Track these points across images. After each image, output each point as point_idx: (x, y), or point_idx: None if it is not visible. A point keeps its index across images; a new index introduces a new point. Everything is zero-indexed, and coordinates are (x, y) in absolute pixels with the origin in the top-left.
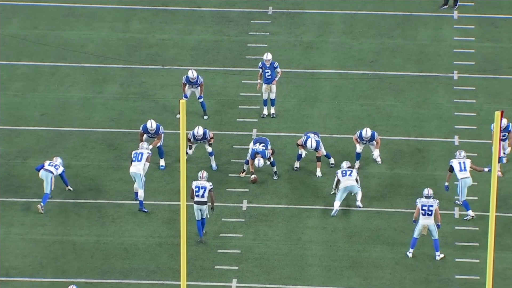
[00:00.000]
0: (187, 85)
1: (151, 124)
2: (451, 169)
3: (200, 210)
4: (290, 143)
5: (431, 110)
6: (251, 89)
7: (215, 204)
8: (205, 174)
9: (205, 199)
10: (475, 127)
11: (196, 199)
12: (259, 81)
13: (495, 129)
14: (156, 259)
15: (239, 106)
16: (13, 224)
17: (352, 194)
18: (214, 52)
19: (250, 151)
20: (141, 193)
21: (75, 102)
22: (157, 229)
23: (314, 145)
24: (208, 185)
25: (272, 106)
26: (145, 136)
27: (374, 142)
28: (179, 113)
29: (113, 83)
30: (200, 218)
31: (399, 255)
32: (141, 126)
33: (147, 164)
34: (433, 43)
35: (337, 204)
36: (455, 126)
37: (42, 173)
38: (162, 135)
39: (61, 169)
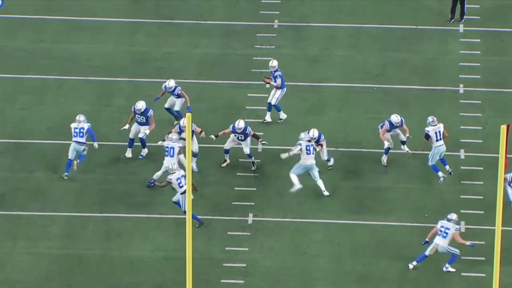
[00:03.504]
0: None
1: (141, 105)
2: (427, 137)
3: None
4: (295, 156)
5: None
6: (257, 103)
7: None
8: (175, 166)
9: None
10: (481, 141)
11: (181, 190)
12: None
13: (501, 143)
14: (161, 273)
15: (245, 120)
16: (18, 237)
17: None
18: (220, 66)
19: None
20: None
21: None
22: (162, 242)
23: (316, 134)
24: (184, 173)
25: (268, 111)
26: (135, 116)
27: (404, 127)
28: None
29: (119, 97)
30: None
31: (405, 269)
32: (132, 107)
33: (181, 156)
34: (439, 57)
35: (294, 178)
36: (461, 140)
37: (74, 146)
38: (151, 117)
39: (87, 125)
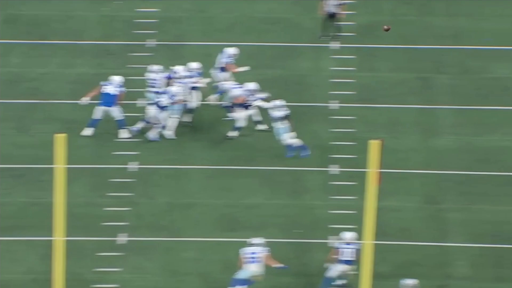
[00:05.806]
0: None
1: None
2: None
3: None
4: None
5: (308, 138)
6: (132, 119)
7: None
8: None
9: None
10: (355, 156)
11: None
12: None
13: (370, 158)
14: None
15: (119, 139)
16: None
17: None
18: (94, 85)
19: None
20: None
21: None
22: (32, 265)
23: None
24: None
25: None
26: None
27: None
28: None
29: None
30: None
31: (280, 283)
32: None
33: None
34: (312, 73)
35: None
36: (334, 155)
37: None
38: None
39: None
